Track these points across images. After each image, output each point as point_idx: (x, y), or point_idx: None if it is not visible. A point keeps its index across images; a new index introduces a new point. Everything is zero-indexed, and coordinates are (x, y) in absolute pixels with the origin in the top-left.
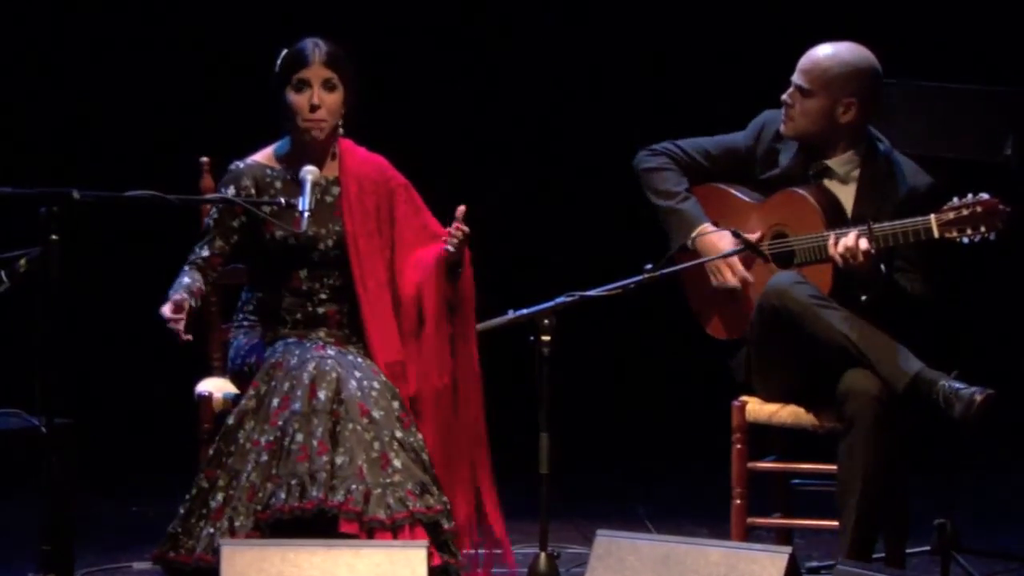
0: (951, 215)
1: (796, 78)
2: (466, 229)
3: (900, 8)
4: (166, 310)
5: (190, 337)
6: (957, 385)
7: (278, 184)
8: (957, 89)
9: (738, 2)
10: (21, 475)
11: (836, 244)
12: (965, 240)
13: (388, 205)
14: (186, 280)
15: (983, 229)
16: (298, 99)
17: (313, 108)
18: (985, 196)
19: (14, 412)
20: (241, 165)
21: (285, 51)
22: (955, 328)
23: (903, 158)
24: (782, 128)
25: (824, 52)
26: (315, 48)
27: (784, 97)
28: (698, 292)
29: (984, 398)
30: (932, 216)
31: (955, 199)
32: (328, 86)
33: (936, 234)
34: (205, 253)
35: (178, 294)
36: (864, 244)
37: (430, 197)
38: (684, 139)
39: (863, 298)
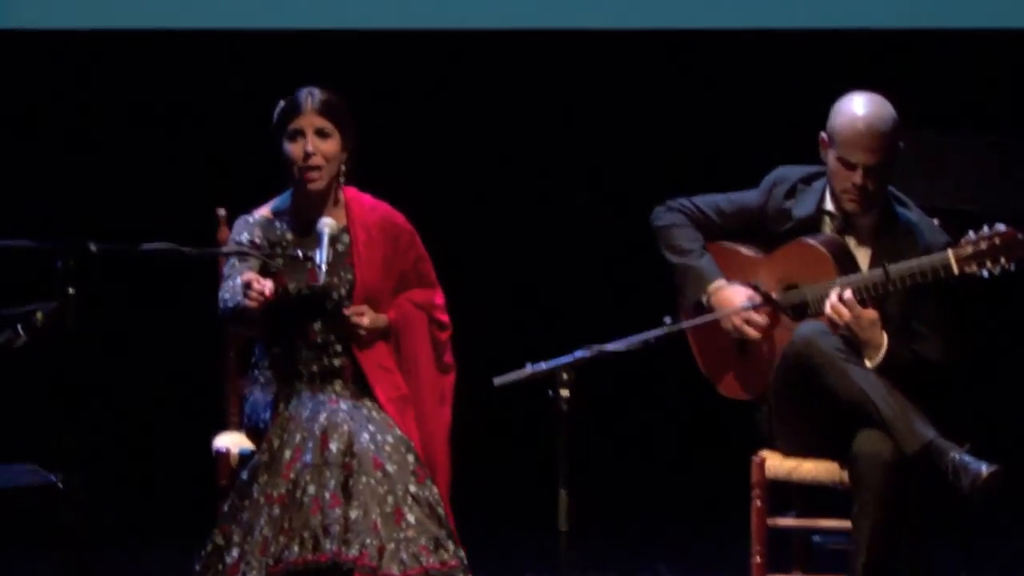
0: (969, 249)
1: (868, 158)
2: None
3: (913, 58)
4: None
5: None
6: (967, 458)
7: (288, 236)
8: (983, 141)
9: (754, 58)
10: (37, 530)
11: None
12: (985, 274)
13: (394, 252)
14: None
15: (1003, 261)
16: (293, 148)
17: (307, 156)
18: (1002, 227)
19: (31, 467)
20: (250, 219)
21: (281, 102)
22: (973, 398)
23: (921, 216)
24: (850, 208)
25: (876, 117)
26: (308, 97)
27: (856, 182)
28: (710, 352)
29: (990, 474)
30: (950, 251)
31: (971, 233)
32: (322, 134)
33: (955, 270)
34: None
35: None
36: (848, 294)
37: (446, 248)
38: (698, 196)
39: (868, 364)
